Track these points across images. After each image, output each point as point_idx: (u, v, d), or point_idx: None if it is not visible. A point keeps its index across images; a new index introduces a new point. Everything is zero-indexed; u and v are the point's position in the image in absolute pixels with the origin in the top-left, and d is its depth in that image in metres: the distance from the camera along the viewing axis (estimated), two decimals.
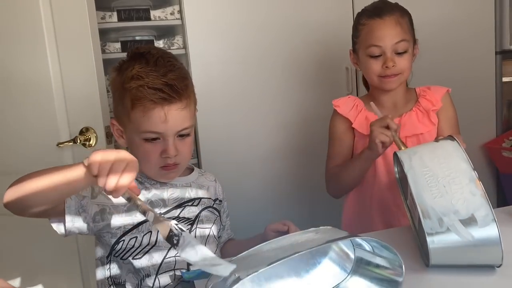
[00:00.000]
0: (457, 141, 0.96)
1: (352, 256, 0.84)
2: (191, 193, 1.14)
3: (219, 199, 1.21)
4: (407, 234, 1.07)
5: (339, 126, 1.38)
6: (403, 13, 1.30)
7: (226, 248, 1.23)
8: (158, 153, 1.04)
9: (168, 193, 1.10)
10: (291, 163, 1.97)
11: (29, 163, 1.64)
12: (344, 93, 1.94)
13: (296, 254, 0.68)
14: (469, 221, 0.85)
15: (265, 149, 1.94)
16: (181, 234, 0.73)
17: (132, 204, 0.80)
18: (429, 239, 0.86)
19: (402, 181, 1.09)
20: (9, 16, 1.55)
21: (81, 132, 1.54)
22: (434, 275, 0.89)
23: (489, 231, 0.84)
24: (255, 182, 1.94)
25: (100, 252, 1.09)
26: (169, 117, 1.01)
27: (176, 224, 0.74)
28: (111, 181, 0.76)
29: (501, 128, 2.17)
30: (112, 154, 0.78)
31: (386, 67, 1.26)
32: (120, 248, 1.04)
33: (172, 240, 0.74)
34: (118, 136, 1.10)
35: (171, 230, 0.73)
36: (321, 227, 0.78)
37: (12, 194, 0.87)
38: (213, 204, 1.18)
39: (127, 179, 0.78)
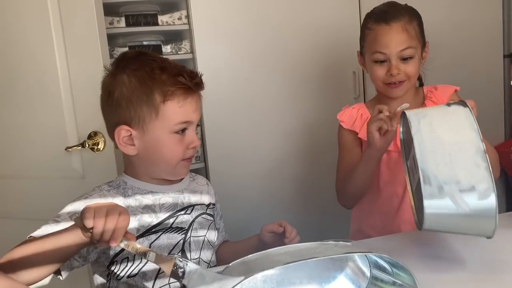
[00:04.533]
0: (469, 108, 0.93)
1: (367, 274, 0.83)
2: (183, 200, 1.11)
3: (212, 203, 1.19)
4: (416, 238, 1.06)
5: (346, 138, 1.37)
6: (412, 18, 1.27)
7: (221, 250, 1.21)
8: (185, 145, 1.05)
9: (160, 203, 1.08)
10: (299, 168, 1.97)
11: (38, 167, 1.66)
12: (351, 97, 1.94)
13: (313, 259, 0.68)
14: (469, 193, 0.84)
15: (272, 153, 1.94)
16: (186, 264, 0.76)
17: (130, 250, 0.83)
18: (426, 203, 0.85)
19: (406, 142, 1.06)
20: (19, 21, 1.57)
21: (90, 137, 1.55)
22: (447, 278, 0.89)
23: (487, 203, 0.83)
24: (262, 187, 1.93)
25: (99, 279, 1.07)
26: (197, 106, 1.05)
27: (179, 257, 0.78)
28: (110, 224, 0.80)
29: (509, 131, 2.16)
30: (104, 204, 0.84)
31: (391, 74, 1.25)
32: (115, 268, 1.03)
33: (178, 273, 0.76)
34: (124, 144, 1.04)
35: (175, 264, 0.76)
36: (340, 241, 0.77)
37: (5, 260, 0.88)
38: (207, 210, 1.16)
39: (124, 222, 0.82)
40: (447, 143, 0.88)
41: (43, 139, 1.63)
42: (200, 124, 1.84)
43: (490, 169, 0.84)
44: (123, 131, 1.03)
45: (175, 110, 1.01)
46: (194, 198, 1.14)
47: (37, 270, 0.88)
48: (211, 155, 1.87)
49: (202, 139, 1.87)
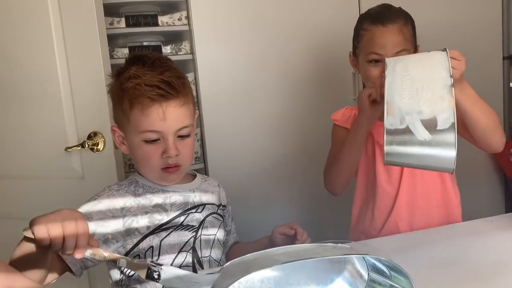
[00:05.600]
0: (447, 52, 0.94)
1: (365, 276, 0.82)
2: (194, 199, 1.12)
3: (223, 204, 1.20)
4: (415, 239, 1.07)
5: (339, 134, 1.40)
6: (407, 21, 1.28)
7: (232, 251, 1.23)
8: (159, 154, 1.03)
9: (171, 201, 1.09)
10: (299, 168, 1.97)
11: (38, 168, 1.66)
12: (350, 98, 1.95)
13: (311, 259, 0.68)
14: (430, 123, 0.86)
15: (272, 154, 1.94)
16: (161, 268, 0.75)
17: (98, 258, 0.78)
18: (387, 137, 0.87)
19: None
20: (19, 21, 1.57)
21: (89, 137, 1.56)
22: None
23: (446, 134, 0.85)
24: (262, 187, 1.94)
25: (113, 276, 1.08)
26: (168, 115, 1.01)
27: (152, 261, 0.76)
28: (69, 245, 0.76)
29: (509, 133, 2.16)
30: (57, 217, 0.77)
31: None
32: None
33: (153, 276, 0.75)
34: (119, 143, 1.10)
35: (149, 268, 0.75)
36: (339, 244, 0.76)
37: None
38: (217, 210, 1.17)
39: (84, 228, 0.78)
40: (417, 79, 0.90)
41: (43, 139, 1.63)
42: (200, 125, 1.84)
43: (454, 103, 0.85)
44: (116, 131, 1.09)
45: (139, 118, 1.01)
46: (205, 198, 1.15)
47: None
48: (210, 155, 1.87)
49: (202, 139, 1.87)
